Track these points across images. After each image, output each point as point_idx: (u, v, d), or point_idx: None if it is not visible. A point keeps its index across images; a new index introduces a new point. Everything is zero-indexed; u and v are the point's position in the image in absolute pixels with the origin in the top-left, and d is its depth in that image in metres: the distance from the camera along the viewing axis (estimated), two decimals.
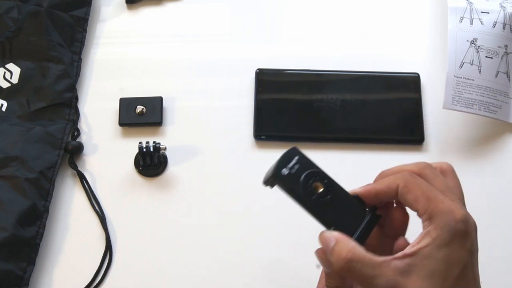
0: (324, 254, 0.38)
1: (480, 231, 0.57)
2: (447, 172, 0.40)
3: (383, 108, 0.63)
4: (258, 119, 0.61)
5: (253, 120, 0.61)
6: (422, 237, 0.36)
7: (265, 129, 0.61)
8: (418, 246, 0.35)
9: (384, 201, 0.40)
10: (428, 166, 0.39)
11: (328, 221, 0.39)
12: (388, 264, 0.35)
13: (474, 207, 0.59)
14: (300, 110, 0.62)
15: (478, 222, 0.58)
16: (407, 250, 0.36)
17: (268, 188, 0.40)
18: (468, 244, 0.35)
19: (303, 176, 0.40)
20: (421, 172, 0.38)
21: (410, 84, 0.64)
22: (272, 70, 0.64)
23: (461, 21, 0.61)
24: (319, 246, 0.42)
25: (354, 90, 0.63)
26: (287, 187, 0.40)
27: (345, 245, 0.37)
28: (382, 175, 0.41)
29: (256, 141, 0.61)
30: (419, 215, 0.37)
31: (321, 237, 0.38)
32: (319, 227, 0.43)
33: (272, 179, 0.40)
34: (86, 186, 0.59)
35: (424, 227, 0.36)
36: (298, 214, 0.60)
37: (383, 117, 0.62)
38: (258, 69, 0.64)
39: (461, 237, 0.35)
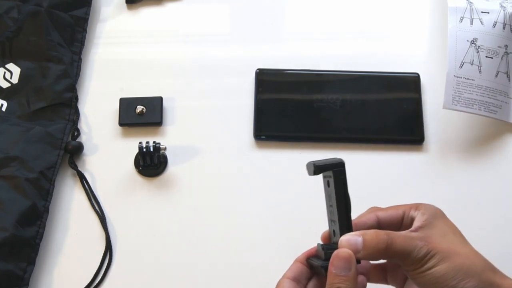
0: (348, 257, 0.39)
1: (480, 230, 0.57)
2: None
3: (383, 108, 0.63)
4: (258, 119, 0.61)
5: (253, 120, 0.61)
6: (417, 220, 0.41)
7: (265, 129, 0.61)
8: (419, 224, 0.41)
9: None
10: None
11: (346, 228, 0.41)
12: (415, 236, 0.39)
13: (474, 207, 0.59)
14: (300, 110, 0.62)
15: (478, 222, 0.58)
16: (414, 227, 0.41)
17: (313, 175, 0.40)
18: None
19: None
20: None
21: (410, 84, 0.64)
22: (272, 70, 0.64)
23: (461, 21, 0.61)
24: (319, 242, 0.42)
25: (354, 90, 0.63)
26: (344, 176, 0.40)
27: (376, 232, 0.39)
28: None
29: (256, 141, 0.61)
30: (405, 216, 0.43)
31: (344, 240, 0.39)
32: (319, 227, 0.44)
33: (334, 167, 0.40)
34: (86, 186, 0.59)
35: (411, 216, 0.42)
36: (299, 214, 0.60)
37: (383, 117, 0.62)
38: (258, 69, 0.64)
39: (443, 215, 0.42)
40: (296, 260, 0.43)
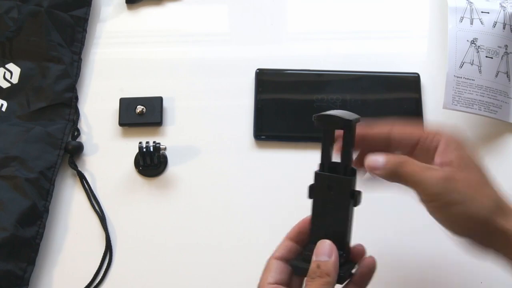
0: (330, 243, 0.41)
1: None
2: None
3: (383, 108, 0.63)
4: (258, 119, 0.61)
5: (253, 120, 0.61)
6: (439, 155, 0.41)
7: (265, 129, 0.61)
8: (441, 159, 0.41)
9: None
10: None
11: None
12: (433, 168, 0.40)
13: None
14: (300, 110, 0.62)
15: None
16: (437, 161, 0.41)
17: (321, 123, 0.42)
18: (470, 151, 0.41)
19: None
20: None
21: (410, 84, 0.64)
22: (272, 70, 0.64)
23: (461, 21, 0.61)
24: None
25: (354, 90, 0.63)
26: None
27: (394, 155, 0.41)
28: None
29: (256, 141, 0.61)
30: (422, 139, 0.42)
31: (368, 159, 0.41)
32: None
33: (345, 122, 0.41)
34: (86, 186, 0.59)
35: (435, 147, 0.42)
36: (299, 213, 0.60)
37: (383, 117, 0.62)
38: (258, 69, 0.64)
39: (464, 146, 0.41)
40: (286, 238, 0.44)
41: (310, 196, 0.42)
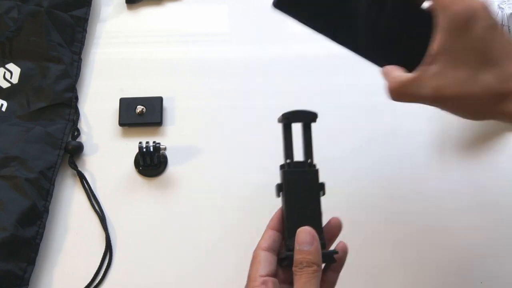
0: (310, 230, 0.41)
1: (480, 230, 0.58)
2: None
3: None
4: None
5: None
6: (435, 35, 0.39)
7: None
8: (435, 46, 0.39)
9: None
10: None
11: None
12: (425, 71, 0.39)
13: (474, 206, 0.59)
14: None
15: (479, 222, 0.58)
16: (429, 52, 0.39)
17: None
18: (479, 27, 0.38)
19: None
20: None
21: None
22: None
23: None
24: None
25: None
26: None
27: (392, 77, 0.41)
28: None
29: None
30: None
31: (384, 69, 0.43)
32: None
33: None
34: (86, 186, 0.59)
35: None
36: None
37: None
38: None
39: (466, 24, 0.38)
40: (268, 228, 0.44)
41: (278, 195, 0.45)
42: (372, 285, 0.56)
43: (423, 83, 0.39)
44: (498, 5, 0.62)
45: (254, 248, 0.56)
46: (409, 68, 0.41)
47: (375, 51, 0.43)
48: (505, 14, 0.62)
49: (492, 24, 0.38)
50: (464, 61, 0.38)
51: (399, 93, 0.41)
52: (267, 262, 0.42)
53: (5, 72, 0.62)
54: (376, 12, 0.42)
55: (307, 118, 0.45)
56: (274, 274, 0.42)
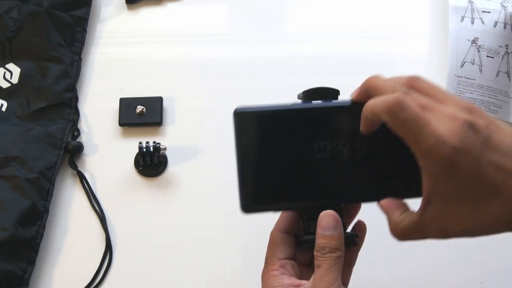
0: (334, 215, 0.39)
1: None
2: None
3: None
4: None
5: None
6: (422, 177, 0.36)
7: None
8: (427, 190, 0.35)
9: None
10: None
11: None
12: (425, 215, 0.36)
13: None
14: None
15: None
16: (424, 195, 0.36)
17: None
18: (469, 163, 0.34)
19: None
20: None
21: None
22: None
23: (462, 21, 0.61)
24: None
25: None
26: None
27: (393, 221, 0.38)
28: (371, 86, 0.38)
29: None
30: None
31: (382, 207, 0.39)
32: None
33: None
34: (86, 186, 0.59)
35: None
36: None
37: None
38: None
39: (454, 167, 0.34)
40: None
41: None
42: (371, 284, 0.55)
43: (427, 227, 0.36)
44: (501, 3, 0.62)
45: (254, 248, 0.56)
46: (404, 191, 0.39)
47: (358, 193, 0.41)
48: (508, 13, 0.61)
49: (483, 146, 0.34)
50: (464, 198, 0.35)
51: (403, 238, 0.38)
52: (285, 245, 0.41)
53: (5, 72, 0.62)
54: (333, 163, 0.40)
55: (330, 95, 0.41)
56: (292, 257, 0.41)
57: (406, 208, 0.39)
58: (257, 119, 0.40)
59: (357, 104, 0.39)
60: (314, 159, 0.40)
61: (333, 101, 0.41)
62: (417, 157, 0.35)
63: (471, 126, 0.34)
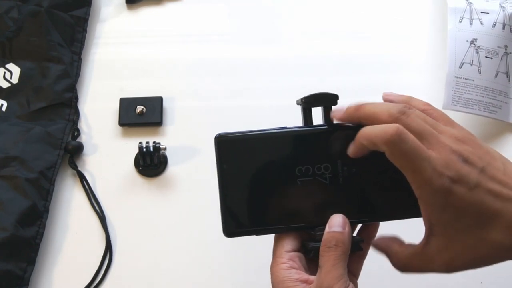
0: (343, 216, 0.39)
1: None
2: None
3: None
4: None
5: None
6: (420, 206, 0.37)
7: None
8: (427, 220, 0.37)
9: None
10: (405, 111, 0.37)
11: None
12: (427, 247, 0.38)
13: None
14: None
15: None
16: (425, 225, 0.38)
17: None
18: (464, 192, 0.36)
19: None
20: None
21: None
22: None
23: (461, 21, 0.62)
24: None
25: None
26: None
27: (393, 253, 0.40)
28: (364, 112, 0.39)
29: None
30: None
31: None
32: None
33: None
34: (86, 186, 0.59)
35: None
36: None
37: None
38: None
39: (451, 196, 0.36)
40: None
41: None
42: (371, 284, 0.56)
43: (433, 259, 0.38)
44: (500, 4, 0.62)
45: (254, 248, 0.56)
46: (389, 212, 0.40)
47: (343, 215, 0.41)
48: (507, 13, 0.61)
49: (480, 176, 0.36)
50: (465, 226, 0.36)
51: (406, 268, 0.39)
52: (292, 237, 0.41)
53: (5, 72, 0.62)
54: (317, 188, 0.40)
55: (329, 101, 0.41)
56: (299, 249, 0.41)
57: (402, 240, 0.40)
58: (238, 144, 0.41)
59: (337, 127, 0.40)
60: (296, 183, 0.40)
61: (314, 124, 0.41)
62: (414, 187, 0.36)
63: (467, 159, 0.36)
